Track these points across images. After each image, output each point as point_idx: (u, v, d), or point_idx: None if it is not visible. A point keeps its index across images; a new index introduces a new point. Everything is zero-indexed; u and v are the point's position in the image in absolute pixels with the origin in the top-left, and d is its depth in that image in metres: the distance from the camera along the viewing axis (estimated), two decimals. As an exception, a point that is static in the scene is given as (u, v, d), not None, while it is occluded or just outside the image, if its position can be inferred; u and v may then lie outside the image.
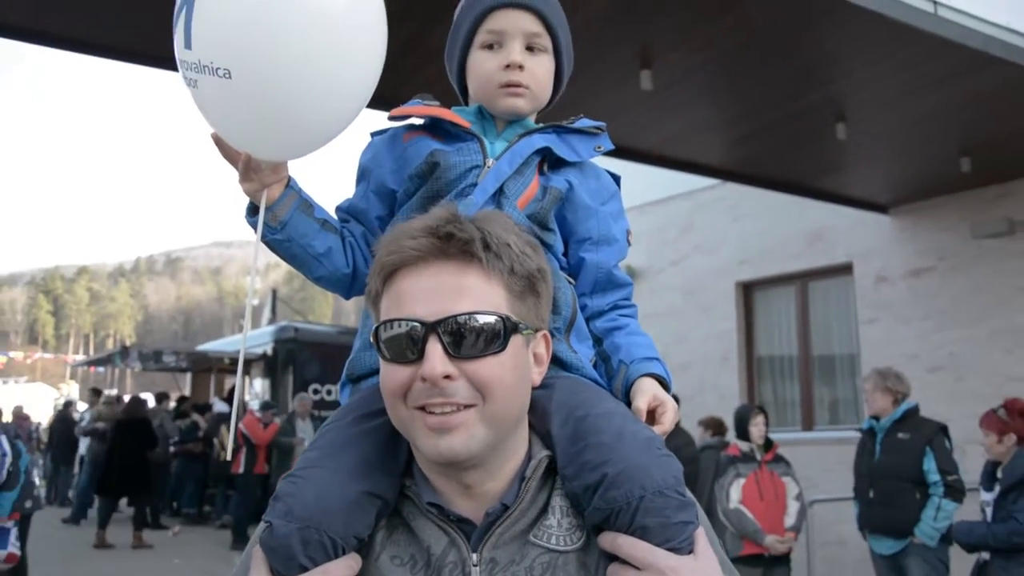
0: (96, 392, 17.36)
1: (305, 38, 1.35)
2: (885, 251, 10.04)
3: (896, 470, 5.57)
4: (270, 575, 1.16)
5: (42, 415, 30.53)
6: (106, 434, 13.94)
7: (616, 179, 1.61)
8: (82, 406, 21.32)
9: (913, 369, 6.84)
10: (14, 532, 6.25)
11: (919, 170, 8.84)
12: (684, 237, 11.99)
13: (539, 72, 1.53)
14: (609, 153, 1.58)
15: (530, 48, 1.52)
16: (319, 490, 1.18)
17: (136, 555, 11.83)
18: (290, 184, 1.51)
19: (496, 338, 1.14)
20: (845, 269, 10.45)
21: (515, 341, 1.17)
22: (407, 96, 1.57)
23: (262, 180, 1.47)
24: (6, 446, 6.13)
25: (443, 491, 1.21)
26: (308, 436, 12.04)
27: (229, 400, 16.50)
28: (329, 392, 14.78)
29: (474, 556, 1.17)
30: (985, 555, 5.02)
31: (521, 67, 1.50)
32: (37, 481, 16.75)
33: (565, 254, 1.52)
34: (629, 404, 1.40)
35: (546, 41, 1.53)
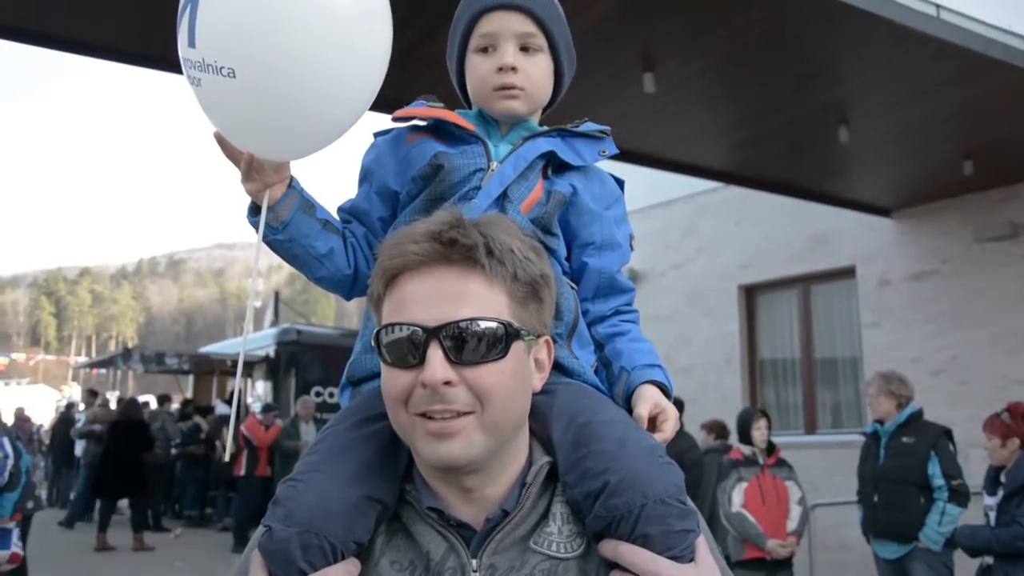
0: (93, 394, 17.36)
1: (310, 37, 1.35)
2: (887, 254, 10.03)
3: (900, 474, 5.56)
4: None
5: (44, 417, 30.56)
6: (102, 436, 13.94)
7: (620, 183, 1.60)
8: (84, 408, 21.31)
9: (915, 373, 6.83)
10: (16, 532, 6.26)
11: (922, 173, 8.83)
12: (687, 240, 11.99)
13: (534, 72, 1.51)
14: (612, 156, 1.57)
15: (525, 48, 1.51)
16: (319, 494, 1.17)
17: (137, 558, 11.82)
18: (292, 184, 1.50)
19: (497, 344, 1.13)
20: (848, 272, 10.44)
21: (516, 347, 1.16)
22: (411, 99, 1.57)
23: (264, 180, 1.46)
24: (8, 448, 6.15)
25: (443, 496, 1.21)
26: (312, 439, 12.02)
27: (231, 402, 16.47)
28: (331, 395, 14.76)
29: (474, 562, 1.16)
30: (988, 559, 5.01)
31: (514, 69, 1.49)
32: (38, 483, 16.76)
33: (568, 258, 1.52)
34: (630, 411, 1.40)
35: (540, 40, 1.52)
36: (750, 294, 11.48)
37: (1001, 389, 8.25)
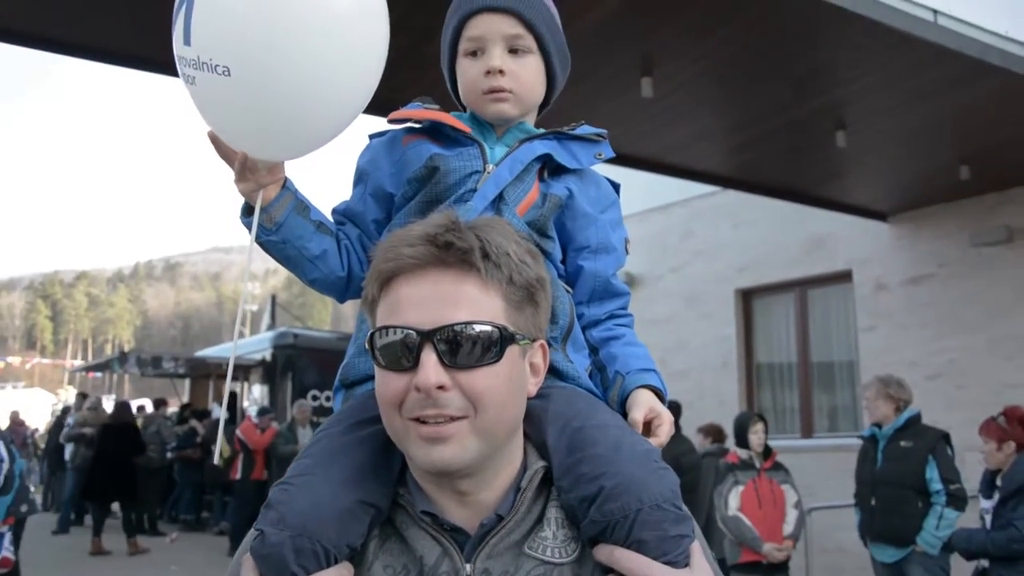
0: (83, 397, 17.28)
1: (306, 37, 1.34)
2: (884, 258, 10.05)
3: (898, 478, 5.55)
4: None
5: (40, 421, 30.46)
6: (93, 440, 13.88)
7: (616, 187, 1.60)
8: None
9: (912, 377, 6.83)
10: (8, 536, 6.24)
11: (918, 178, 8.85)
12: (684, 244, 12.00)
13: (524, 74, 1.50)
14: (609, 160, 1.57)
15: (514, 50, 1.50)
16: (312, 498, 1.16)
17: (133, 562, 11.79)
18: (286, 185, 1.49)
19: (492, 348, 1.12)
20: (844, 276, 10.45)
21: (511, 352, 1.15)
22: (407, 102, 1.56)
23: (258, 180, 1.45)
24: (2, 451, 6.12)
25: (437, 500, 1.20)
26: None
27: (228, 406, 16.47)
28: (328, 398, 14.71)
29: (468, 567, 1.15)
30: (984, 562, 5.01)
31: (502, 72, 1.48)
32: (33, 487, 16.68)
33: (563, 261, 1.51)
34: (625, 415, 1.39)
35: (529, 41, 1.50)
36: (747, 298, 11.49)
37: (997, 393, 8.26)
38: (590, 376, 1.46)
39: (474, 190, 1.43)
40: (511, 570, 1.15)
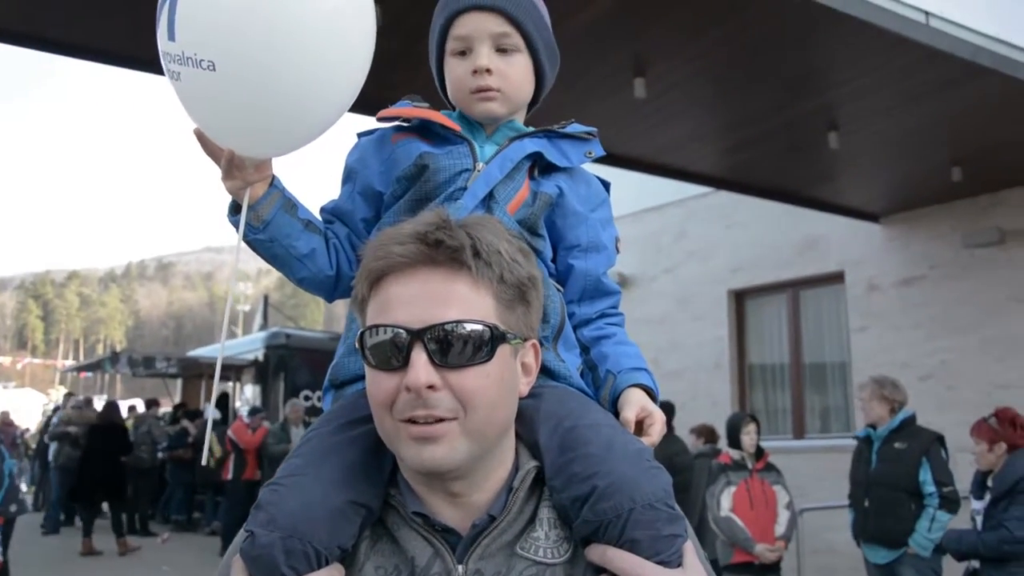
0: (70, 396, 17.19)
1: (292, 31, 1.33)
2: (876, 260, 10.08)
3: (892, 480, 5.54)
4: None
5: (31, 421, 30.33)
6: (78, 439, 13.80)
7: (606, 185, 1.59)
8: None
9: (904, 377, 6.84)
10: (-2, 536, 6.21)
11: (910, 179, 8.88)
12: (677, 245, 12.01)
13: (511, 73, 1.49)
14: (602, 160, 1.56)
15: (502, 49, 1.48)
16: (302, 499, 1.15)
17: (123, 562, 11.74)
18: (274, 183, 1.48)
19: (482, 347, 1.11)
20: (836, 277, 10.48)
21: (502, 351, 1.14)
22: (396, 101, 1.55)
23: (245, 178, 1.44)
24: (-8, 451, 6.10)
25: (428, 501, 1.19)
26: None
27: (220, 405, 16.44)
28: (320, 398, 14.65)
29: (460, 568, 1.14)
30: (975, 563, 5.03)
31: (489, 71, 1.47)
32: (24, 487, 16.58)
33: (553, 260, 1.50)
34: (616, 414, 1.38)
35: (516, 40, 1.49)
36: (740, 299, 11.51)
37: (989, 394, 8.29)
38: (581, 375, 1.45)
39: (464, 188, 1.42)
40: (503, 571, 1.15)
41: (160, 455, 15.25)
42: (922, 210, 9.62)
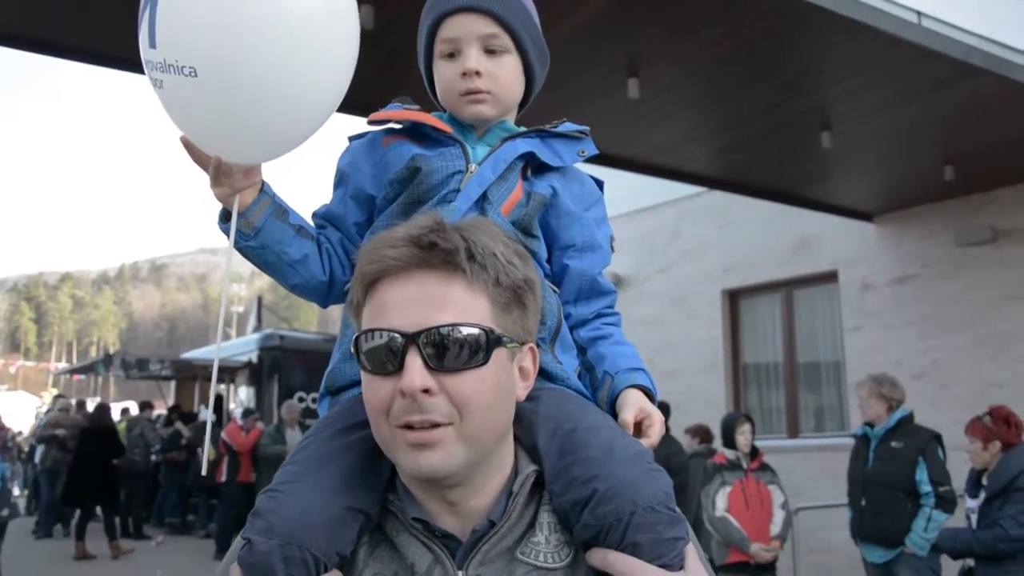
0: (59, 398, 17.12)
1: (273, 35, 1.31)
2: (870, 259, 10.10)
3: (888, 479, 5.54)
4: None
5: (24, 424, 30.19)
6: (65, 442, 13.72)
7: (599, 184, 1.58)
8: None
9: (898, 376, 6.87)
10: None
11: (903, 178, 8.90)
12: (671, 245, 12.02)
13: (501, 74, 1.48)
14: (596, 160, 1.56)
15: (491, 50, 1.47)
16: (300, 505, 1.14)
17: (117, 565, 11.69)
18: (264, 189, 1.46)
19: (478, 351, 1.10)
20: (830, 277, 10.50)
21: (498, 355, 1.13)
22: (388, 104, 1.54)
23: (233, 185, 1.42)
24: (-17, 454, 6.06)
25: (427, 507, 1.18)
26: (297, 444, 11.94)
27: (215, 407, 16.41)
28: (315, 400, 14.54)
29: (460, 573, 1.13)
30: (970, 562, 5.04)
31: (478, 73, 1.46)
32: (16, 491, 16.48)
33: (548, 261, 1.49)
34: (615, 415, 1.37)
35: (505, 40, 1.47)
36: (734, 298, 11.52)
37: (982, 392, 8.31)
38: (579, 376, 1.44)
39: (457, 190, 1.41)
40: None
41: (153, 458, 15.20)
42: (915, 209, 9.65)
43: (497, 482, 1.19)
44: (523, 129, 1.51)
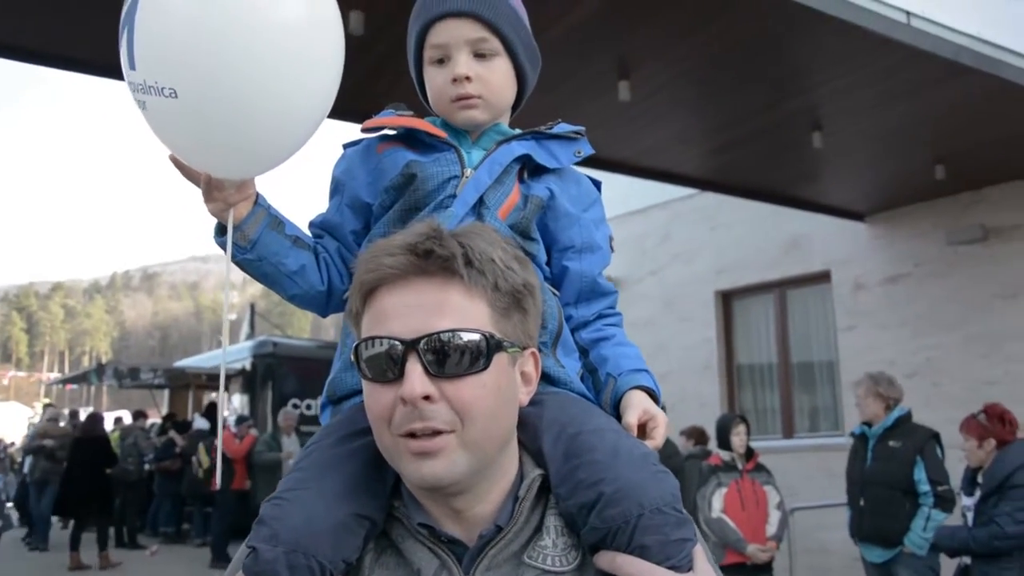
0: (48, 407, 17.02)
1: (250, 52, 1.30)
2: (862, 258, 10.13)
3: (886, 478, 5.53)
4: None
5: (16, 435, 30.06)
6: (54, 452, 13.63)
7: (597, 184, 1.57)
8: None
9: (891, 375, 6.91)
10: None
11: (894, 178, 8.93)
12: (662, 247, 12.03)
13: (492, 78, 1.46)
14: (587, 163, 1.55)
15: (480, 54, 1.46)
16: (305, 513, 1.13)
17: (112, 576, 11.63)
18: (258, 201, 1.45)
19: (479, 357, 1.10)
20: (823, 277, 10.52)
21: (499, 360, 1.13)
22: (382, 110, 1.54)
23: (226, 199, 1.42)
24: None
25: (433, 513, 1.17)
26: (295, 452, 11.91)
27: (208, 415, 16.36)
28: (308, 407, 14.66)
29: None
30: (966, 559, 5.05)
31: (468, 78, 1.45)
32: (10, 502, 16.36)
33: (548, 263, 1.48)
34: (618, 417, 1.37)
35: (494, 44, 1.46)
36: (726, 300, 11.54)
37: (974, 390, 8.34)
38: (581, 379, 1.43)
39: (454, 196, 1.40)
40: None
41: (147, 467, 15.13)
42: (906, 208, 9.68)
43: (502, 488, 1.19)
44: (518, 132, 1.50)
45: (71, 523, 12.74)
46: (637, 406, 1.37)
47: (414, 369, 1.08)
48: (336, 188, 1.54)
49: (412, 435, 1.09)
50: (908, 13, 5.73)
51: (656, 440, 1.35)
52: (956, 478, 5.42)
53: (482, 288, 1.12)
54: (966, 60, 6.08)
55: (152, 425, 17.52)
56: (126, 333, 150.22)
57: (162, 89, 1.31)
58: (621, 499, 1.12)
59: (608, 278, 1.57)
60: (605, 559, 1.14)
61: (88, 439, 12.55)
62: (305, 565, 1.10)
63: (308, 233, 1.54)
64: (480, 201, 1.40)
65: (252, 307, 23.22)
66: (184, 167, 1.43)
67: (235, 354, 16.20)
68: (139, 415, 16.69)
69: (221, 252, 1.46)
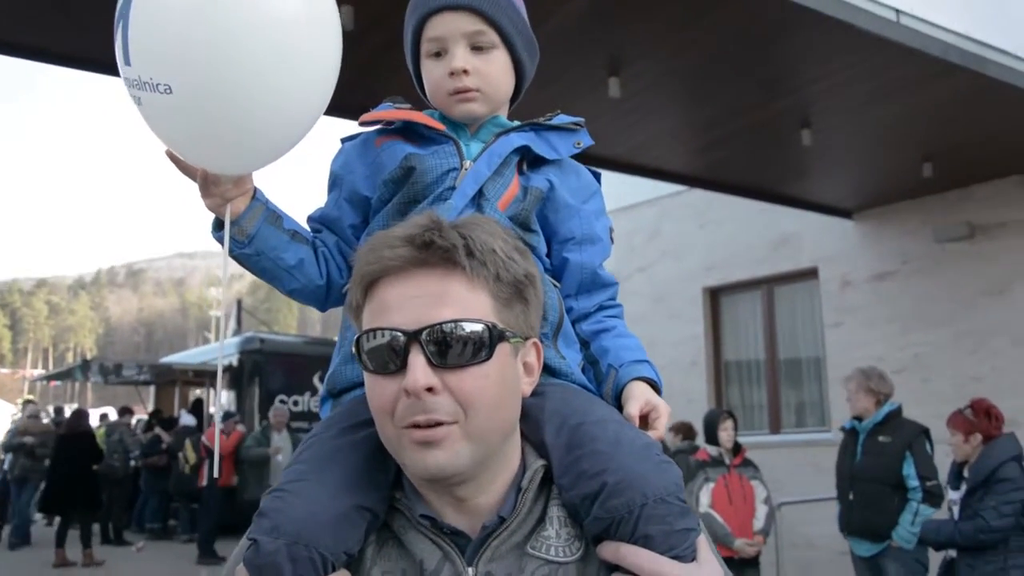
0: (28, 403, 16.90)
1: (247, 47, 1.29)
2: (850, 255, 10.17)
3: (876, 473, 5.55)
4: None
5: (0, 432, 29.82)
6: (34, 449, 13.53)
7: (596, 176, 1.57)
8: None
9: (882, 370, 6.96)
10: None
11: (882, 175, 8.98)
12: (651, 243, 12.05)
13: (490, 71, 1.46)
14: (577, 158, 1.55)
15: (478, 47, 1.45)
16: (307, 505, 1.13)
17: (98, 573, 11.54)
18: (256, 196, 1.45)
19: (482, 347, 1.10)
20: (810, 274, 10.56)
21: (502, 350, 1.12)
22: (378, 104, 1.53)
23: (224, 194, 1.41)
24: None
25: (435, 505, 1.17)
26: (285, 447, 11.89)
27: (195, 411, 16.30)
28: (296, 403, 14.64)
29: (470, 570, 1.12)
30: (952, 553, 5.09)
31: (466, 72, 1.44)
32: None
33: (548, 255, 1.48)
34: (620, 408, 1.37)
35: (492, 37, 1.45)
36: (715, 296, 11.57)
37: (961, 386, 8.39)
38: (583, 371, 1.43)
39: (453, 188, 1.40)
40: (514, 571, 1.13)
41: (133, 463, 15.06)
42: (894, 206, 9.73)
43: (505, 478, 1.18)
44: (517, 123, 1.50)
45: (56, 520, 12.67)
46: (639, 397, 1.37)
47: (417, 360, 1.07)
48: (334, 182, 1.53)
49: (415, 426, 1.09)
50: (898, 11, 5.75)
51: (659, 430, 1.35)
52: (943, 473, 5.45)
53: (484, 279, 1.12)
54: (954, 58, 6.11)
55: (138, 421, 17.43)
56: (111, 329, 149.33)
57: (157, 85, 1.31)
58: (624, 489, 1.12)
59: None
60: (608, 549, 1.14)
61: (74, 435, 12.45)
62: (307, 557, 1.09)
63: (307, 228, 1.54)
64: (479, 193, 1.40)
65: (239, 303, 23.14)
66: (181, 163, 1.42)
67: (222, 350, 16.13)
68: (125, 411, 16.62)
69: (207, 249, 1.47)
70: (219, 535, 12.09)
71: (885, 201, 9.70)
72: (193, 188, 1.44)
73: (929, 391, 8.99)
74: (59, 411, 18.31)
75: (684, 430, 8.81)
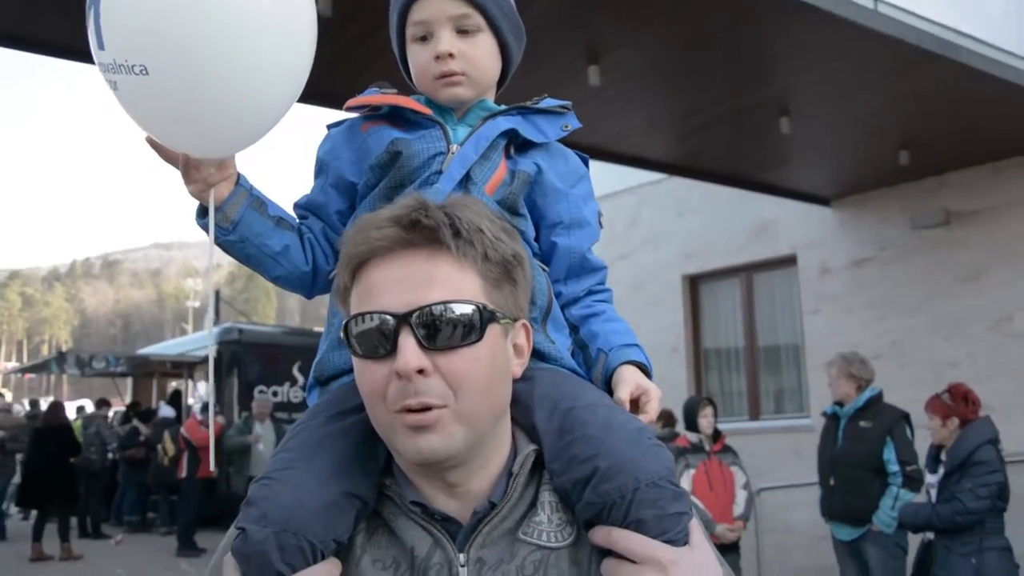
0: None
1: (221, 26, 1.28)
2: (828, 242, 10.24)
3: (857, 458, 5.60)
4: None
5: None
6: (4, 443, 13.39)
7: (584, 160, 1.56)
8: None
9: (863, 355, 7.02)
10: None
11: (860, 163, 9.03)
12: (631, 231, 12.07)
13: (475, 54, 1.45)
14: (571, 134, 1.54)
15: (463, 31, 1.44)
16: (295, 492, 1.12)
17: (75, 567, 11.46)
18: (240, 182, 1.44)
19: (472, 329, 1.09)
20: (789, 261, 10.62)
21: (492, 331, 1.12)
22: (357, 92, 1.51)
23: (206, 180, 1.40)
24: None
25: (425, 490, 1.16)
26: (267, 437, 11.82)
27: (173, 403, 16.19)
28: (275, 393, 14.57)
29: (461, 556, 1.12)
30: (930, 535, 5.16)
31: (451, 55, 1.43)
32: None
33: (536, 239, 1.48)
34: (610, 392, 1.37)
35: (477, 20, 1.44)
36: (694, 284, 11.62)
37: (938, 372, 8.48)
38: (572, 355, 1.42)
39: (440, 172, 1.39)
40: (506, 557, 1.12)
41: (110, 456, 14.94)
42: (871, 193, 9.79)
43: (496, 463, 1.18)
44: (504, 107, 1.49)
45: (32, 514, 12.55)
46: (629, 381, 1.37)
47: (407, 343, 1.06)
48: (320, 168, 1.52)
49: (408, 410, 1.08)
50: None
51: (650, 414, 1.35)
52: (922, 456, 5.52)
53: (472, 259, 1.11)
54: (931, 47, 6.15)
55: (115, 413, 17.29)
56: (87, 321, 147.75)
57: (132, 67, 1.29)
58: (616, 473, 1.12)
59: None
60: (601, 534, 1.13)
61: (51, 428, 12.32)
62: (295, 545, 1.08)
63: (292, 214, 1.52)
64: (467, 177, 1.39)
65: (217, 294, 22.97)
66: (162, 148, 1.41)
67: (200, 341, 16.07)
68: (102, 403, 16.47)
69: (184, 240, 1.45)
70: (199, 527, 12.03)
71: (863, 188, 9.76)
72: (170, 178, 1.43)
73: (906, 376, 9.08)
74: (35, 404, 18.11)
75: (664, 417, 8.86)
